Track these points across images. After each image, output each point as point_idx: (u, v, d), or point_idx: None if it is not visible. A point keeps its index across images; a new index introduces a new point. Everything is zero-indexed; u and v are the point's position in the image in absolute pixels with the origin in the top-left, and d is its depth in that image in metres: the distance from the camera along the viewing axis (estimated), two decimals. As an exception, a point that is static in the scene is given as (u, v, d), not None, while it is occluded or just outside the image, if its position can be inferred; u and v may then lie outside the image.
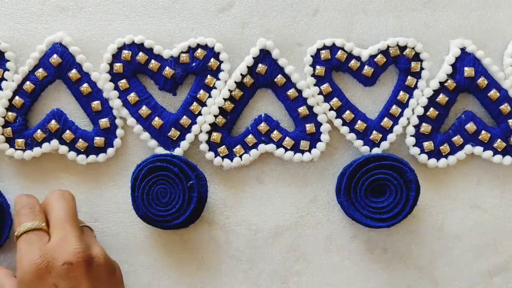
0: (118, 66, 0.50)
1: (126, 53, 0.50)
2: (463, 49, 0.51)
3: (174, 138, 0.50)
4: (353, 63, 0.51)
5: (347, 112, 0.51)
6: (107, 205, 0.52)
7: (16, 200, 0.46)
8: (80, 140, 0.50)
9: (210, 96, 0.50)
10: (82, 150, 0.50)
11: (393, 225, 0.49)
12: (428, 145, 0.51)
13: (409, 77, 0.51)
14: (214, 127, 0.51)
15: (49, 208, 0.43)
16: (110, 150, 0.51)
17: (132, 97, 0.50)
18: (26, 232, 0.41)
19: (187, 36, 0.51)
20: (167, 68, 0.50)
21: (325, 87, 0.51)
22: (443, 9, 0.52)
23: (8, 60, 0.50)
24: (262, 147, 0.51)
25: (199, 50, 0.50)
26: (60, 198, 0.44)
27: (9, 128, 0.50)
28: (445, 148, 0.51)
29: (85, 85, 0.50)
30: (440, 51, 0.52)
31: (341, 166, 0.52)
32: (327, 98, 0.51)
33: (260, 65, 0.50)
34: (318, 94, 0.50)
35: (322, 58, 0.51)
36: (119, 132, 0.51)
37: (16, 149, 0.50)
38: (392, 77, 0.52)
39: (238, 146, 0.51)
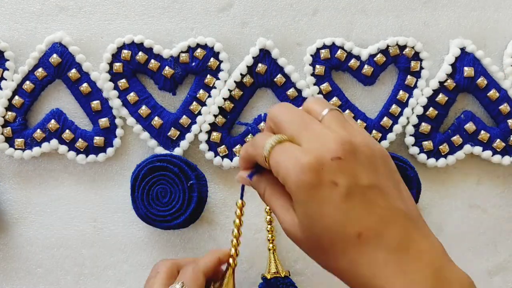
0: (117, 66, 0.50)
1: (125, 53, 0.50)
2: (462, 49, 0.51)
3: (174, 138, 0.50)
4: (353, 63, 0.51)
5: (347, 111, 0.51)
6: (107, 205, 0.52)
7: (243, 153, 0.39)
8: (80, 139, 0.50)
9: (209, 96, 0.50)
10: (82, 150, 0.50)
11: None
12: (427, 144, 0.51)
13: (408, 77, 0.51)
14: (214, 126, 0.51)
15: (274, 122, 0.36)
16: (110, 150, 0.51)
17: (132, 96, 0.50)
18: (273, 147, 0.34)
19: (187, 36, 0.51)
20: (166, 67, 0.50)
21: (325, 86, 0.51)
22: (443, 9, 0.52)
23: (8, 60, 0.50)
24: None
25: (198, 50, 0.50)
26: (280, 108, 0.36)
27: (9, 127, 0.50)
28: (444, 147, 0.51)
29: (85, 84, 0.50)
30: (440, 51, 0.52)
31: (341, 166, 0.51)
32: (327, 97, 0.51)
33: (259, 64, 0.50)
34: (318, 93, 0.50)
35: (321, 58, 0.51)
36: (118, 131, 0.51)
37: (15, 149, 0.50)
38: (391, 76, 0.52)
39: (238, 146, 0.51)
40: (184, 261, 0.45)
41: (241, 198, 0.44)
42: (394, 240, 0.32)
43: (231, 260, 0.43)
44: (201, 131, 0.51)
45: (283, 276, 0.48)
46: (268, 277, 0.48)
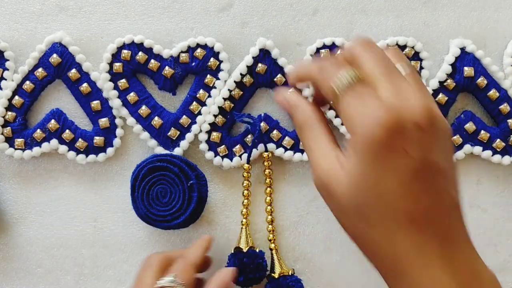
0: (117, 66, 0.50)
1: (125, 53, 0.50)
2: (462, 49, 0.51)
3: (174, 138, 0.50)
4: (353, 63, 0.51)
5: (347, 111, 0.51)
6: (107, 205, 0.52)
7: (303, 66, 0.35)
8: (80, 139, 0.50)
9: (209, 96, 0.50)
10: (82, 150, 0.50)
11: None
12: (427, 144, 0.51)
13: (408, 77, 0.51)
14: (213, 126, 0.51)
15: (353, 56, 0.31)
16: (110, 150, 0.51)
17: (132, 96, 0.50)
18: (348, 86, 0.30)
19: (187, 36, 0.51)
20: (166, 67, 0.50)
21: (325, 86, 0.50)
22: (443, 9, 0.52)
23: (8, 60, 0.50)
24: (262, 146, 0.51)
25: (198, 50, 0.50)
26: (363, 43, 0.31)
27: (9, 127, 0.50)
28: (444, 147, 0.51)
29: (85, 84, 0.50)
30: (440, 51, 0.52)
31: (341, 166, 0.52)
32: (327, 97, 0.51)
33: (259, 64, 0.50)
34: (318, 93, 0.50)
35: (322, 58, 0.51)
36: (118, 131, 0.51)
37: (15, 149, 0.50)
38: (391, 76, 0.52)
39: (238, 146, 0.51)
40: (175, 254, 0.46)
41: (248, 162, 0.48)
42: (444, 232, 0.29)
43: (244, 220, 0.48)
44: (201, 131, 0.51)
45: (290, 274, 0.49)
46: (276, 276, 0.48)
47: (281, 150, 0.51)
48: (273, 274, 0.48)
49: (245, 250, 0.48)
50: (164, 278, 0.42)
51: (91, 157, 0.50)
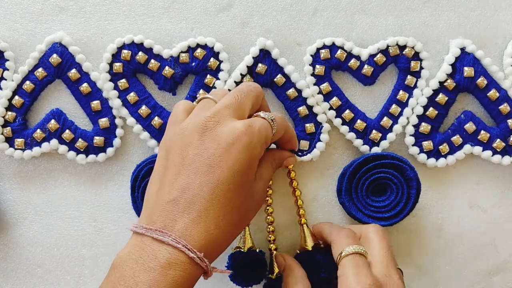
0: (117, 66, 0.50)
1: (125, 53, 0.50)
2: (462, 49, 0.51)
3: (174, 138, 0.50)
4: (353, 63, 0.51)
5: (347, 111, 0.51)
6: (107, 205, 0.52)
7: (323, 227, 0.48)
8: (80, 139, 0.50)
9: (209, 96, 0.50)
10: (82, 150, 0.50)
11: (396, 223, 0.49)
12: (427, 144, 0.51)
13: (408, 77, 0.51)
14: (213, 126, 0.51)
15: (368, 239, 0.43)
16: (110, 150, 0.51)
17: (132, 96, 0.50)
18: (352, 254, 0.41)
19: (187, 36, 0.51)
20: (166, 67, 0.50)
21: (325, 86, 0.51)
22: (443, 9, 0.52)
23: (8, 60, 0.50)
24: (262, 146, 0.51)
25: (198, 50, 0.50)
26: (378, 234, 0.44)
27: (9, 127, 0.50)
28: (444, 147, 0.51)
29: (85, 84, 0.50)
30: (440, 51, 0.52)
31: (341, 166, 0.52)
32: (327, 97, 0.51)
33: (259, 64, 0.50)
34: (318, 93, 0.50)
35: (321, 58, 0.51)
36: (118, 131, 0.51)
37: (15, 149, 0.50)
38: (391, 76, 0.52)
39: (238, 146, 0.51)
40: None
41: None
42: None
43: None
44: (201, 131, 0.50)
45: None
46: (273, 277, 0.48)
47: (281, 150, 0.51)
48: (271, 275, 0.48)
49: (245, 250, 0.48)
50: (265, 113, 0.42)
51: (91, 157, 0.50)
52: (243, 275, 0.47)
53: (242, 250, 0.48)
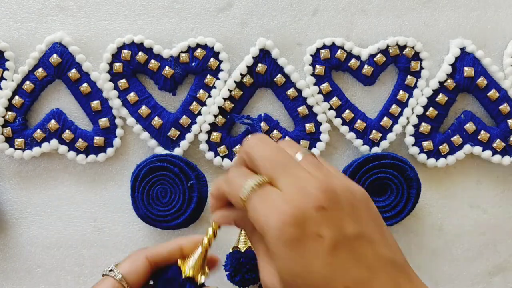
0: (117, 66, 0.50)
1: (125, 53, 0.50)
2: (462, 49, 0.51)
3: (174, 138, 0.50)
4: (353, 63, 0.51)
5: (347, 111, 0.51)
6: (107, 205, 0.52)
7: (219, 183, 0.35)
8: (80, 139, 0.50)
9: (209, 96, 0.50)
10: (82, 150, 0.50)
11: (396, 223, 0.49)
12: (427, 144, 0.51)
13: (408, 77, 0.51)
14: (214, 126, 0.51)
15: (250, 158, 0.33)
16: (110, 150, 0.51)
17: (132, 96, 0.50)
18: (252, 191, 0.31)
19: (187, 36, 0.51)
20: (166, 67, 0.50)
21: (325, 86, 0.51)
22: (443, 9, 0.52)
23: (8, 60, 0.50)
24: (262, 146, 0.50)
25: (198, 50, 0.50)
26: (256, 142, 0.33)
27: (9, 127, 0.50)
28: (444, 147, 0.51)
29: (85, 84, 0.50)
30: (440, 51, 0.52)
31: (341, 166, 0.52)
32: (327, 97, 0.51)
33: (259, 64, 0.50)
34: (318, 93, 0.50)
35: (321, 58, 0.51)
36: (118, 131, 0.51)
37: (15, 149, 0.50)
38: (391, 76, 0.52)
39: (238, 146, 0.51)
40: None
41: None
42: None
43: (206, 240, 0.38)
44: (201, 131, 0.51)
45: None
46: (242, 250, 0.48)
47: (281, 150, 0.51)
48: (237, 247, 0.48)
49: (243, 250, 0.48)
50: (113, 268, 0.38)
51: (91, 157, 0.50)
52: (240, 275, 0.47)
53: (239, 250, 0.48)
